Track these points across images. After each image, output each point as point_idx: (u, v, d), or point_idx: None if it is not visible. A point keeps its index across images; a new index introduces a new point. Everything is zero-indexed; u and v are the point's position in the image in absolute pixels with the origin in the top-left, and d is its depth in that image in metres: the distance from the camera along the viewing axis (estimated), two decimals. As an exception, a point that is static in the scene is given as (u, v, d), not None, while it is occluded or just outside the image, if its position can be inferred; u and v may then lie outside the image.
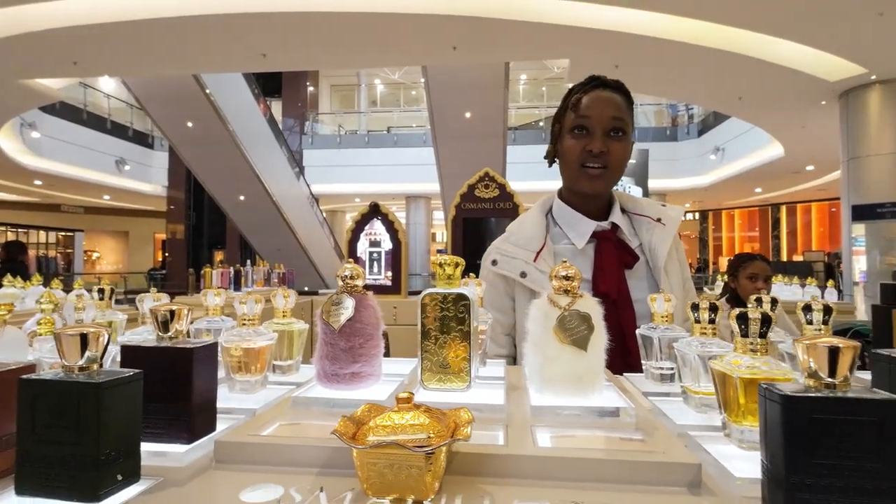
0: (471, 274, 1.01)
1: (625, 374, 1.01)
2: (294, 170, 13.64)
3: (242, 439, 0.61)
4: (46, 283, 3.06)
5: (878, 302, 1.00)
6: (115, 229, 21.20)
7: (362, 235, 4.67)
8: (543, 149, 1.41)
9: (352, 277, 0.79)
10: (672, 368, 0.89)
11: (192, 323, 0.96)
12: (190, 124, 10.01)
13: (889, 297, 0.99)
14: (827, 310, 0.73)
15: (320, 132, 18.43)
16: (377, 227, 4.68)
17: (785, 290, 4.31)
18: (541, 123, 17.76)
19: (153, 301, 1.05)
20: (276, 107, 16.69)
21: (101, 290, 1.09)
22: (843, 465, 0.44)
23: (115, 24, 6.24)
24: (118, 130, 15.33)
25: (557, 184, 1.42)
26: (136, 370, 0.55)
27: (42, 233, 18.19)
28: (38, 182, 14.17)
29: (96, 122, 14.45)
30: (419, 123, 17.96)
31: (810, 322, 0.73)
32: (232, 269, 4.50)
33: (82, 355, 0.53)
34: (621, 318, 1.22)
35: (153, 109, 9.78)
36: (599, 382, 0.72)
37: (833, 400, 0.45)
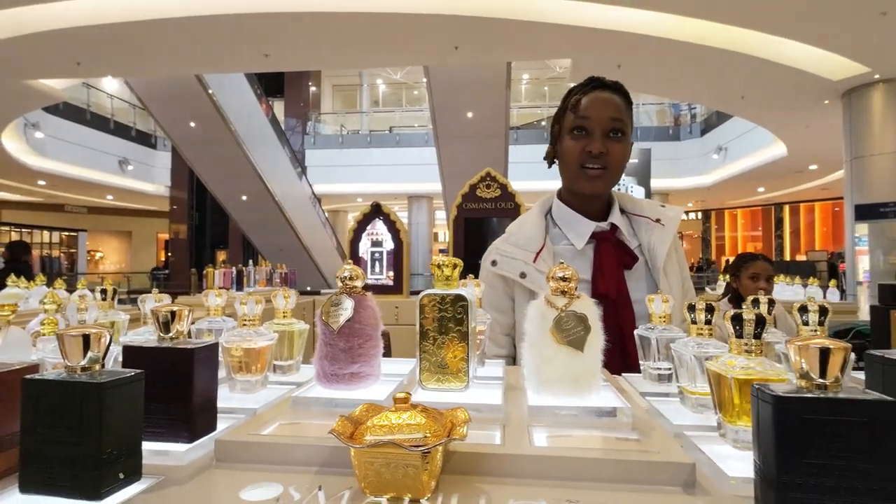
0: (470, 275, 1.02)
1: (623, 374, 1.02)
2: (296, 170, 13.66)
3: (242, 438, 0.62)
4: (50, 283, 3.07)
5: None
6: (118, 229, 21.27)
7: (364, 235, 4.68)
8: (545, 149, 1.42)
9: (351, 278, 0.80)
10: (669, 369, 0.89)
11: (193, 323, 0.97)
12: (192, 124, 10.04)
13: (888, 298, 0.99)
14: (823, 310, 0.73)
15: (322, 132, 18.45)
16: (379, 227, 4.69)
17: (787, 290, 4.30)
18: (543, 123, 17.73)
19: (155, 302, 1.06)
20: (279, 107, 16.73)
21: (103, 291, 1.10)
22: (833, 465, 0.44)
23: (118, 25, 6.27)
24: (121, 131, 15.39)
25: (559, 184, 1.43)
26: (138, 370, 0.56)
27: (46, 233, 18.26)
28: (41, 182, 14.23)
29: (99, 122, 14.51)
30: (421, 123, 17.97)
31: (806, 323, 0.74)
32: (234, 269, 4.51)
33: (84, 356, 0.54)
34: (620, 319, 1.23)
35: (156, 110, 9.81)
36: (596, 383, 0.73)
37: (824, 400, 0.45)
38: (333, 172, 16.53)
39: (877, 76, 7.05)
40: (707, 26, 6.11)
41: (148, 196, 16.97)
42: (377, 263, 4.65)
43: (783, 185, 15.20)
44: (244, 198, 11.88)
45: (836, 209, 16.61)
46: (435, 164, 10.54)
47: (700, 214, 20.62)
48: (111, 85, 15.13)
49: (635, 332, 0.96)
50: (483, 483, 0.55)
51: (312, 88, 18.96)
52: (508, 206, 4.48)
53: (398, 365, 0.98)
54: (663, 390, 0.89)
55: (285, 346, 0.98)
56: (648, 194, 12.67)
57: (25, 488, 0.52)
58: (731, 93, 8.44)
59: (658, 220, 1.36)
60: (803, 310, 0.73)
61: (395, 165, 16.36)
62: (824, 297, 4.41)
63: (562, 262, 0.76)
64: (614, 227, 1.34)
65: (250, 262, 4.90)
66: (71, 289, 2.98)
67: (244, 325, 0.88)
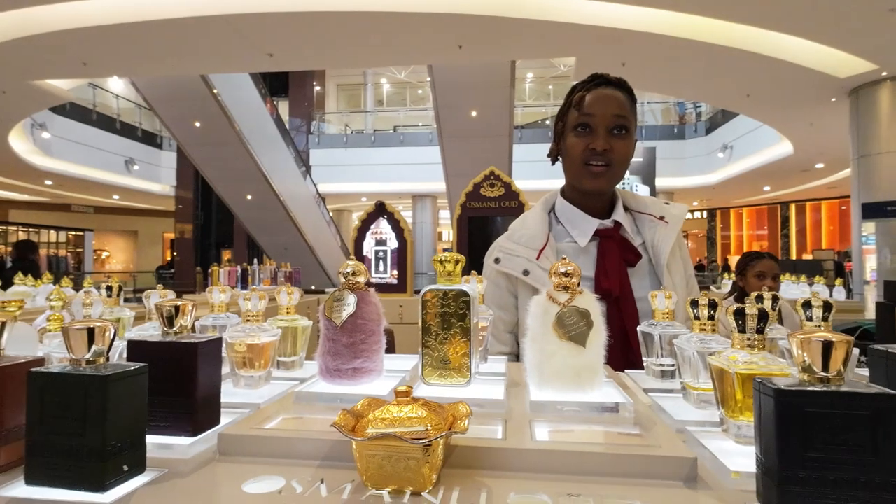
0: (473, 271, 1.02)
1: (626, 370, 1.02)
2: (301, 169, 13.70)
3: (245, 432, 0.62)
4: (57, 282, 3.10)
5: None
6: (124, 228, 21.39)
7: (368, 234, 4.69)
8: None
9: (354, 274, 0.80)
10: (673, 365, 0.89)
11: (197, 320, 0.98)
12: (198, 124, 10.08)
13: (893, 295, 0.99)
14: (827, 306, 0.73)
15: (327, 131, 18.49)
16: (383, 226, 4.70)
17: (792, 288, 4.28)
18: (547, 122, 17.68)
19: (159, 297, 1.06)
20: (283, 106, 16.76)
21: (108, 288, 1.11)
22: (835, 459, 0.44)
23: (123, 26, 6.30)
24: (127, 131, 15.48)
25: (563, 182, 1.43)
26: (142, 364, 0.57)
27: (53, 232, 18.38)
28: (48, 182, 14.33)
29: (105, 122, 14.60)
30: (425, 122, 17.97)
31: (810, 318, 0.73)
32: (239, 268, 4.53)
33: (89, 349, 0.55)
34: (624, 316, 1.23)
35: (161, 110, 9.86)
36: (598, 378, 0.73)
37: (825, 394, 0.45)
38: (338, 172, 16.57)
39: (884, 73, 7.00)
40: (712, 24, 6.08)
41: (154, 196, 17.06)
42: (381, 262, 4.66)
43: (789, 184, 15.11)
44: (249, 197, 11.93)
45: (843, 208, 16.50)
46: (439, 164, 10.54)
47: (705, 213, 20.52)
48: (117, 85, 15.21)
49: (638, 328, 0.96)
50: (484, 477, 0.55)
51: (317, 88, 19.00)
52: (512, 205, 4.47)
53: (401, 361, 0.99)
54: (667, 386, 0.88)
55: (289, 343, 0.98)
56: (653, 193, 12.62)
57: (31, 479, 0.52)
58: (736, 91, 8.39)
59: (662, 218, 1.36)
60: (807, 305, 0.73)
61: (400, 164, 16.37)
62: (830, 295, 4.39)
63: (564, 258, 0.76)
64: (618, 225, 1.34)
65: (255, 260, 4.92)
66: (77, 287, 3.00)
67: (248, 321, 0.88)
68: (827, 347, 0.46)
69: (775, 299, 0.87)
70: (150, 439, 0.59)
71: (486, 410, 0.70)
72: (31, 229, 17.58)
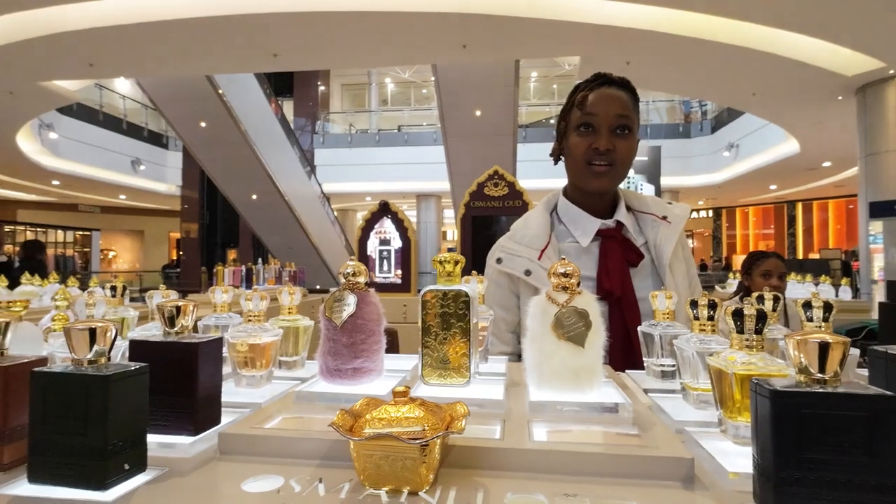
0: (473, 271, 1.02)
1: (626, 370, 1.02)
2: (305, 169, 13.74)
3: (245, 432, 0.63)
4: (63, 282, 3.12)
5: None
6: (130, 228, 21.53)
7: (372, 234, 4.70)
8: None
9: (354, 274, 0.81)
10: (673, 365, 0.89)
11: (200, 319, 0.99)
12: (203, 124, 10.13)
13: (896, 295, 0.98)
14: (827, 307, 0.72)
15: (331, 131, 18.52)
16: (387, 226, 4.71)
17: (798, 288, 4.25)
18: (551, 121, 17.64)
19: (162, 297, 1.07)
20: (288, 106, 16.81)
21: (113, 288, 1.12)
22: (831, 460, 0.44)
23: (129, 27, 6.34)
24: (133, 131, 15.57)
25: (566, 182, 1.42)
26: (143, 363, 0.57)
27: (60, 232, 18.51)
28: (55, 182, 14.44)
29: (112, 122, 14.69)
30: (430, 122, 17.97)
31: (811, 319, 0.73)
32: (244, 268, 4.55)
33: (91, 349, 0.55)
34: (625, 317, 1.22)
35: (167, 110, 9.91)
36: (597, 379, 0.73)
37: (822, 395, 0.45)
38: (342, 171, 16.60)
39: (892, 71, 6.93)
40: (717, 22, 6.05)
41: (160, 196, 17.15)
42: (385, 262, 4.67)
43: (796, 183, 15.01)
44: (254, 197, 11.97)
45: (851, 207, 16.37)
46: (443, 163, 10.54)
47: (711, 212, 20.43)
48: (123, 86, 15.31)
49: (639, 328, 0.96)
50: (482, 476, 0.56)
51: (321, 88, 19.04)
52: (516, 205, 4.47)
53: (401, 361, 0.99)
54: (667, 387, 0.88)
55: (290, 342, 0.99)
56: (658, 192, 12.55)
57: (34, 478, 0.53)
58: (742, 89, 8.34)
59: (664, 218, 1.36)
60: (807, 305, 0.73)
61: (404, 164, 16.38)
62: (836, 295, 4.36)
63: (563, 258, 0.76)
64: (620, 225, 1.33)
65: (259, 260, 4.93)
66: (84, 287, 3.03)
67: (249, 321, 0.89)
68: (823, 348, 0.46)
69: (776, 299, 0.87)
70: (152, 438, 0.59)
71: (486, 410, 0.71)
72: (38, 229, 17.72)
